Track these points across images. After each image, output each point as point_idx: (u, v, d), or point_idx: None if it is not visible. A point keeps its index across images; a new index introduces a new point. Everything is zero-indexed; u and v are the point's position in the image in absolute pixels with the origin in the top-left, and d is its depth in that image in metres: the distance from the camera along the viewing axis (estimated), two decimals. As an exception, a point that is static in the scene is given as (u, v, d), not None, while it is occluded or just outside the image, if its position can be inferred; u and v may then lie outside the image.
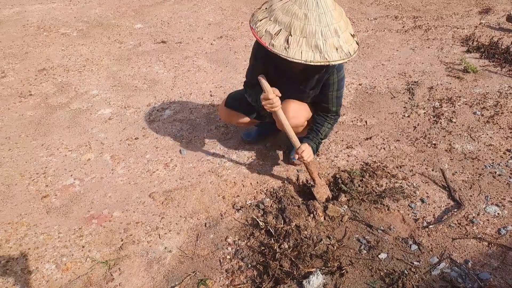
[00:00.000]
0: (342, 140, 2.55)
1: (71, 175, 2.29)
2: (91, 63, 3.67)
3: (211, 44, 4.10)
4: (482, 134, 2.52)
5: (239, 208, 2.03)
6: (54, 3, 5.36)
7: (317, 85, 1.99)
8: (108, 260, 1.76)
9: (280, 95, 1.87)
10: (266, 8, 1.70)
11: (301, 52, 1.58)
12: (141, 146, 2.54)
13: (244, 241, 1.83)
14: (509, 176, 2.14)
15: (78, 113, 2.90)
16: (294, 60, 1.58)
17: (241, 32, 4.37)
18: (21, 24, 4.60)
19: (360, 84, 3.24)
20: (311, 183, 2.11)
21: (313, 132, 2.11)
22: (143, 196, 2.13)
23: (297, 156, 2.00)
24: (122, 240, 1.87)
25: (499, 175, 2.16)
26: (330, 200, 2.06)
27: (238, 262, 1.73)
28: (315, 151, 2.10)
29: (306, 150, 1.98)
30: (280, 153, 2.45)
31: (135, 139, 2.61)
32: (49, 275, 1.70)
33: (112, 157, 2.44)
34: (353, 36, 1.71)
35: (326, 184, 2.14)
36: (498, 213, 1.90)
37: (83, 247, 1.83)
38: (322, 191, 2.06)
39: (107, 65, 3.64)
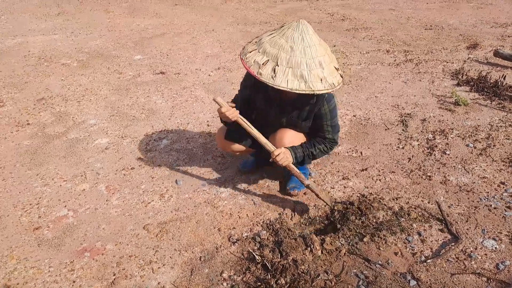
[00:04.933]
0: (338, 171, 2.56)
1: (65, 206, 2.26)
2: (90, 93, 3.72)
3: (209, 75, 4.19)
4: (476, 166, 2.55)
5: (235, 240, 2.00)
6: (56, 35, 5.50)
7: (309, 117, 2.04)
8: (100, 296, 1.71)
9: (233, 106, 1.94)
10: (256, 42, 1.82)
11: (287, 81, 1.67)
12: (137, 176, 2.53)
13: (239, 276, 1.79)
14: (505, 210, 2.15)
15: (75, 142, 2.91)
16: (280, 88, 1.67)
17: (238, 64, 4.48)
18: (23, 55, 4.69)
19: (354, 116, 3.30)
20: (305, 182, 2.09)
21: (307, 144, 2.09)
22: (137, 228, 2.10)
23: (271, 159, 1.98)
24: (114, 275, 1.82)
25: (495, 208, 2.16)
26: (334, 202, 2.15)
27: (234, 298, 1.69)
28: (299, 158, 2.06)
29: (281, 154, 1.96)
30: (277, 184, 2.45)
31: (131, 169, 2.60)
32: (37, 312, 1.64)
33: (107, 187, 2.42)
34: (337, 69, 1.80)
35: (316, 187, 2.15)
36: (496, 247, 1.89)
37: (74, 282, 1.78)
38: (324, 194, 2.15)
39: (105, 95, 3.69)
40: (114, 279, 1.79)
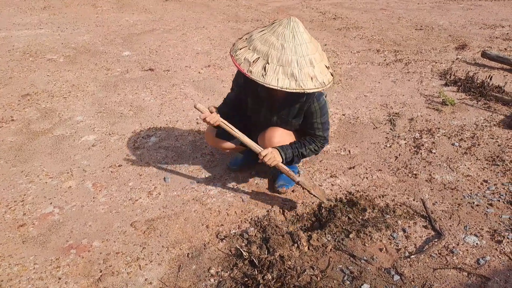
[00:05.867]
0: (326, 169, 2.58)
1: (51, 203, 2.23)
2: (77, 89, 3.67)
3: (199, 72, 4.17)
4: (461, 165, 2.60)
5: (223, 237, 2.00)
6: (41, 29, 5.41)
7: (299, 114, 2.04)
8: (85, 293, 1.70)
9: (214, 110, 1.96)
10: (246, 38, 1.81)
11: (278, 79, 1.66)
12: (125, 173, 2.51)
13: (227, 272, 1.80)
14: (487, 207, 2.19)
15: (61, 139, 2.87)
16: (271, 86, 1.66)
17: (228, 62, 4.47)
18: (6, 49, 4.60)
19: (343, 115, 3.33)
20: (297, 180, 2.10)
21: (297, 143, 2.09)
22: (125, 225, 2.09)
23: (260, 160, 1.99)
24: (101, 271, 1.81)
25: (477, 205, 2.21)
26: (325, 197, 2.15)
27: (221, 294, 1.69)
28: (288, 158, 2.05)
29: (268, 154, 1.95)
30: (266, 181, 2.46)
31: (118, 166, 2.58)
32: (21, 310, 1.62)
33: (94, 184, 2.40)
34: (328, 68, 1.80)
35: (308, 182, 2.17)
36: (477, 243, 1.94)
37: (60, 279, 1.77)
38: (317, 189, 2.15)
39: (93, 91, 3.64)
40: (101, 275, 1.78)
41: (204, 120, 1.96)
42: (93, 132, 2.98)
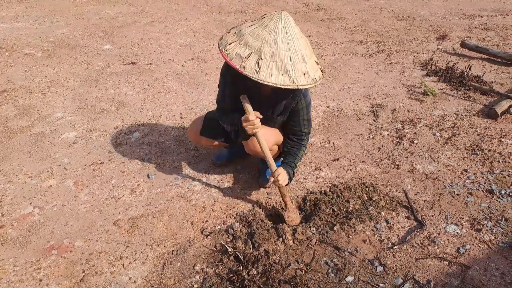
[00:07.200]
0: (310, 162, 2.59)
1: (30, 203, 2.18)
2: (56, 84, 3.57)
3: (182, 65, 4.11)
4: (442, 154, 2.64)
5: (208, 233, 2.00)
6: (18, 22, 5.23)
7: (285, 112, 2.03)
8: (68, 294, 1.67)
9: (261, 117, 1.87)
10: (235, 33, 1.75)
11: (271, 76, 1.63)
12: (107, 171, 2.46)
13: (212, 268, 1.79)
14: (467, 196, 2.25)
15: (41, 137, 2.80)
16: (265, 83, 1.62)
17: (212, 54, 4.41)
18: (-18, 44, 4.44)
19: (327, 107, 3.34)
20: (283, 207, 2.12)
21: (290, 156, 2.13)
22: (107, 224, 2.05)
23: (272, 180, 1.98)
24: (83, 272, 1.78)
25: (458, 194, 2.26)
26: (300, 224, 2.07)
27: (206, 290, 1.69)
28: (291, 176, 2.10)
29: (281, 174, 1.97)
30: (250, 176, 2.45)
31: (100, 163, 2.53)
32: (1, 314, 1.59)
33: (75, 183, 2.35)
34: (317, 63, 1.79)
35: (297, 208, 2.15)
36: (457, 232, 1.98)
37: (41, 280, 1.73)
38: (293, 216, 2.07)
39: (73, 86, 3.55)
40: (84, 276, 1.76)
41: (247, 121, 1.82)
42: (73, 128, 2.91)
